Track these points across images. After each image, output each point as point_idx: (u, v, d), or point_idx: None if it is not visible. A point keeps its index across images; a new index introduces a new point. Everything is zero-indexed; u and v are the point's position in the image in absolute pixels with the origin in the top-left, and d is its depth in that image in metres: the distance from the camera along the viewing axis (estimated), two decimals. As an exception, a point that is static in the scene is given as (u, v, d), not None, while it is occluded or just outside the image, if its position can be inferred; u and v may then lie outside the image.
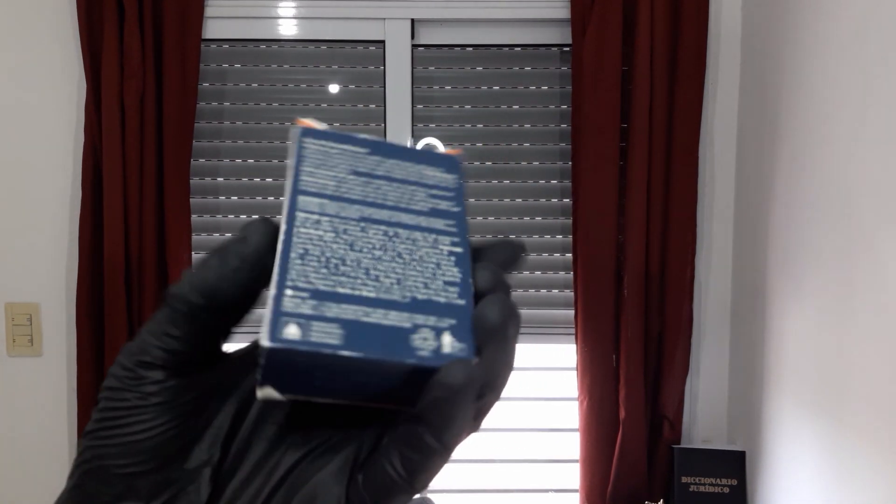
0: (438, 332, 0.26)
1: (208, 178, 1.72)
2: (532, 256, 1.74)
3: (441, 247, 0.29)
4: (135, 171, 1.59)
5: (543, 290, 1.74)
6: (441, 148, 1.72)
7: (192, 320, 0.27)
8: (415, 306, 0.27)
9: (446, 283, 0.28)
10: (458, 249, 0.29)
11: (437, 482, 1.76)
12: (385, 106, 1.71)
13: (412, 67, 1.71)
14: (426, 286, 0.27)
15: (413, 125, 1.72)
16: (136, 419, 0.27)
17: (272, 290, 0.26)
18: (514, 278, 1.82)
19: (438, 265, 0.28)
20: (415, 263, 0.28)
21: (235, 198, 1.74)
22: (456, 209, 0.30)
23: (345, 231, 0.28)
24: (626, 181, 1.62)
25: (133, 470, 0.27)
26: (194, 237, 1.67)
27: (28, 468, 1.73)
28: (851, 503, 1.18)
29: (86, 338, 1.63)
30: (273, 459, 0.28)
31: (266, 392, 0.26)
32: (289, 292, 0.26)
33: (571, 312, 1.67)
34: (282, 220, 0.28)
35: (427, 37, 1.72)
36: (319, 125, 0.31)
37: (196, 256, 1.67)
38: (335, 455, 0.28)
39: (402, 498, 0.27)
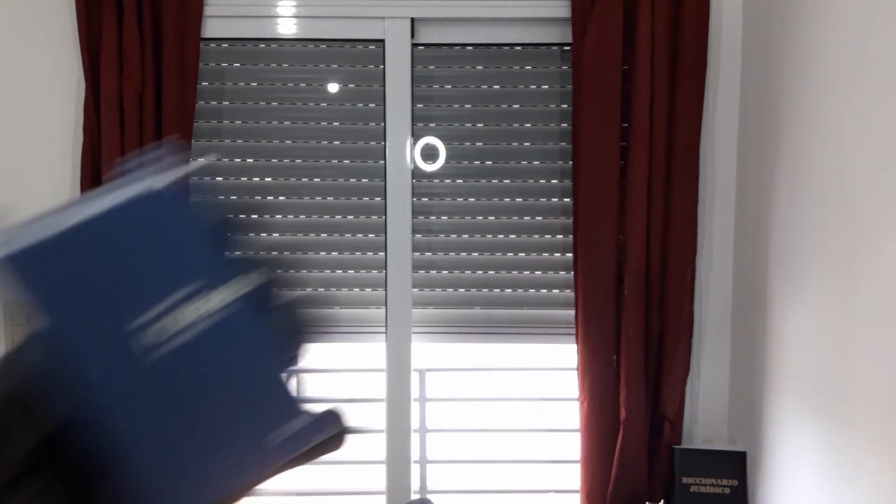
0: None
1: (207, 178, 1.72)
2: (532, 256, 1.73)
3: None
4: (133, 171, 1.59)
5: (544, 290, 1.73)
6: (441, 147, 1.72)
7: None
8: None
9: None
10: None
11: (437, 483, 1.76)
12: (385, 105, 1.70)
13: (412, 66, 1.70)
14: None
15: (413, 124, 1.71)
16: None
17: None
18: (513, 279, 1.80)
19: None
20: None
21: (234, 197, 1.74)
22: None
23: None
24: (626, 181, 1.61)
25: None
26: (193, 237, 1.66)
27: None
28: (853, 504, 1.18)
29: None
30: None
31: None
32: None
33: (572, 313, 1.66)
34: None
35: (427, 36, 1.71)
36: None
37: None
38: None
39: None
